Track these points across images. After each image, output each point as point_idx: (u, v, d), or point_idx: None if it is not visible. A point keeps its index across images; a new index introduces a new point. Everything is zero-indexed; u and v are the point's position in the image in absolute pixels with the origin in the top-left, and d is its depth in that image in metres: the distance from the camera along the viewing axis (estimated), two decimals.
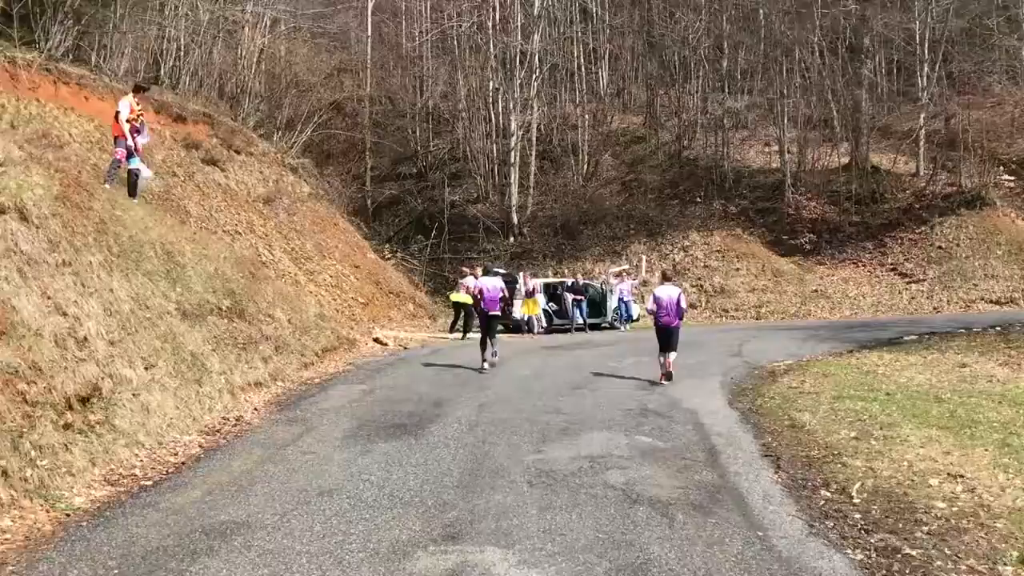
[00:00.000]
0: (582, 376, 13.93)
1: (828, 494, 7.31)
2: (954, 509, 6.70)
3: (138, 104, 14.11)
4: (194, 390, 9.84)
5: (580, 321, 24.39)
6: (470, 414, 10.40)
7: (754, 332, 23.26)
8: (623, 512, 6.55)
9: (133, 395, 8.57)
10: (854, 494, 7.23)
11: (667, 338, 13.54)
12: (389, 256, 33.57)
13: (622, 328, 24.97)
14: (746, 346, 19.49)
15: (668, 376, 13.37)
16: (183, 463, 8.04)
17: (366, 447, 8.62)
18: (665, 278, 14.94)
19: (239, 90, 36.63)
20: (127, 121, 13.78)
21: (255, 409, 10.54)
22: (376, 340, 17.83)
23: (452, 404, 11.08)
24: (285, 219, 28.40)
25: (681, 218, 35.94)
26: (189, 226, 15.18)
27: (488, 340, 14.48)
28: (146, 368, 9.18)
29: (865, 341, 20.79)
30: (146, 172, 14.60)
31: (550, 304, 25.75)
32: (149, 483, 7.37)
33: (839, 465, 8.14)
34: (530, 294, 22.59)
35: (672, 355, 13.54)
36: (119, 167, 13.90)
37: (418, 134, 43.85)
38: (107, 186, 13.43)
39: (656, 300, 13.65)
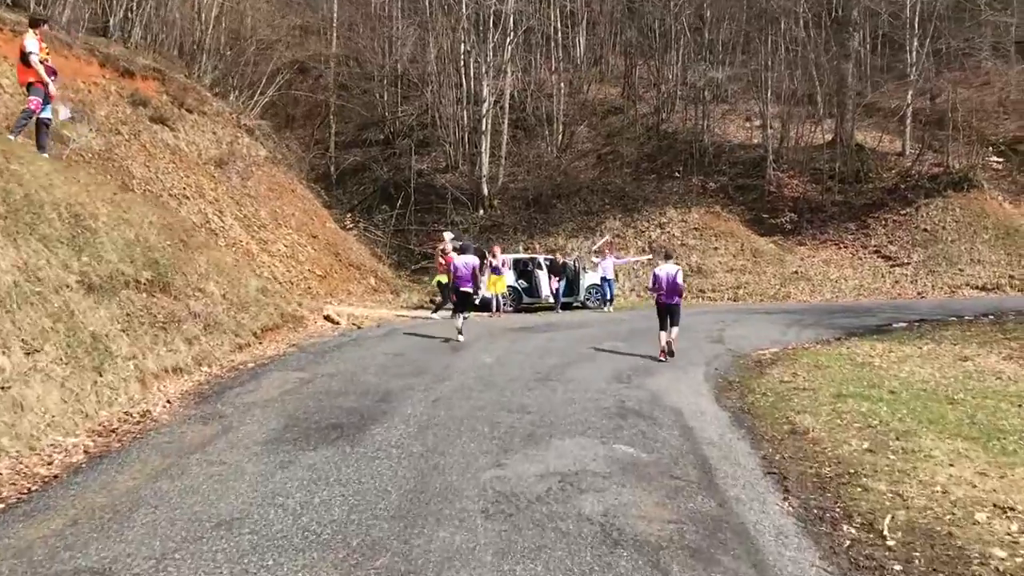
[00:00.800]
0: (552, 364, 12.49)
1: (853, 531, 5.92)
2: (1018, 560, 5.33)
3: (42, 42, 12.29)
4: (91, 379, 8.24)
5: (553, 300, 23.08)
6: (421, 411, 8.90)
7: (733, 315, 21.97)
8: (602, 560, 5.10)
9: (1, 388, 6.96)
10: (886, 532, 5.85)
11: (667, 315, 13.76)
12: (351, 226, 31.86)
13: (606, 308, 23.52)
14: (727, 331, 18.20)
15: (670, 353, 13.53)
16: (55, 476, 6.46)
17: (289, 457, 7.08)
18: (666, 256, 14.99)
19: (196, 47, 34.58)
20: (40, 62, 12.02)
21: (167, 402, 8.95)
22: (327, 318, 16.25)
23: (402, 398, 9.57)
24: (238, 183, 26.66)
25: (658, 193, 34.52)
26: (110, 187, 13.41)
27: (459, 317, 14.89)
28: (27, 354, 7.57)
29: (852, 328, 19.64)
30: (65, 113, 12.85)
31: (519, 281, 24.32)
32: None
33: (858, 488, 6.76)
34: (496, 270, 21.00)
35: (674, 331, 13.73)
36: (31, 117, 12.16)
37: (386, 99, 41.88)
38: (12, 137, 11.70)
39: (655, 278, 13.96)
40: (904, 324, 20.26)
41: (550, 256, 24.79)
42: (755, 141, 36.61)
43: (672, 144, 37.36)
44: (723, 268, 30.10)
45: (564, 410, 9.22)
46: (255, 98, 33.99)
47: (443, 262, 18.72)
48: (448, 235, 19.89)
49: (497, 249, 22.31)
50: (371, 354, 12.82)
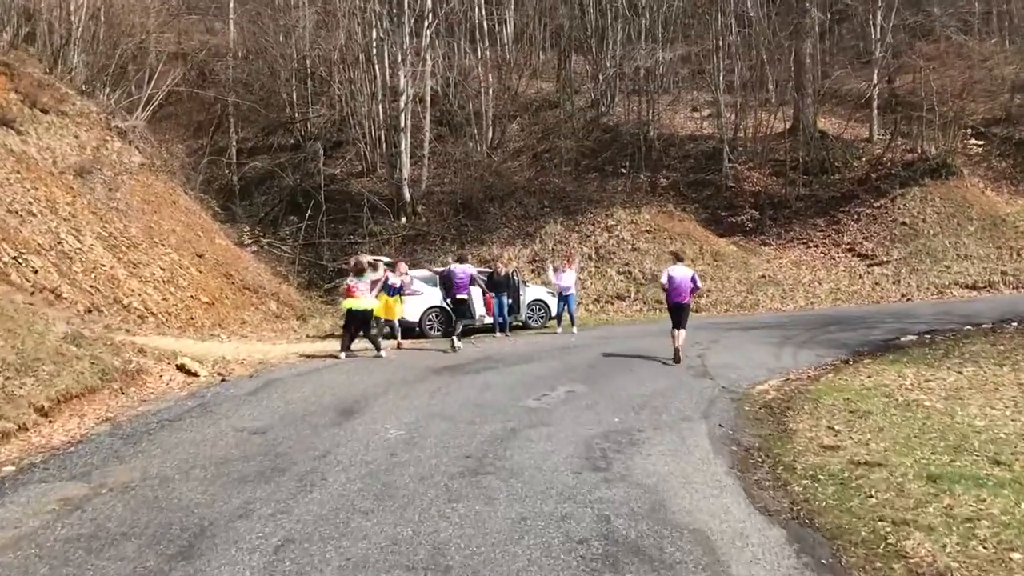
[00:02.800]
0: (490, 433, 8.42)
1: None
2: None
3: None
4: None
5: (491, 321, 18.99)
6: None
7: (706, 332, 18.14)
8: None
9: None
10: None
11: (678, 315, 13.97)
12: (250, 242, 27.32)
13: (573, 329, 19.23)
14: (709, 357, 14.43)
15: (677, 357, 13.58)
16: None
17: None
18: (677, 258, 15.11)
19: (64, 40, 29.70)
20: None
21: None
22: (181, 368, 11.89)
23: (224, 540, 5.41)
24: (104, 195, 22.10)
25: (602, 193, 30.75)
26: None
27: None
28: None
29: (854, 344, 16.14)
30: None
31: (448, 300, 20.17)
32: None
33: None
34: (393, 290, 16.18)
35: (682, 334, 13.86)
36: None
37: (295, 98, 37.28)
38: None
39: (669, 279, 14.03)
40: (913, 337, 16.79)
41: (487, 269, 20.54)
42: (707, 131, 33.14)
43: (615, 138, 33.63)
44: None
45: (507, 548, 5.17)
46: (142, 100, 29.36)
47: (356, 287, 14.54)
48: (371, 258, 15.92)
49: (403, 265, 17.88)
50: (216, 433, 8.54)
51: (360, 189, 30.87)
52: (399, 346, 16.30)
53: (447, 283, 18.04)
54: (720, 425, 9.29)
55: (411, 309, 19.09)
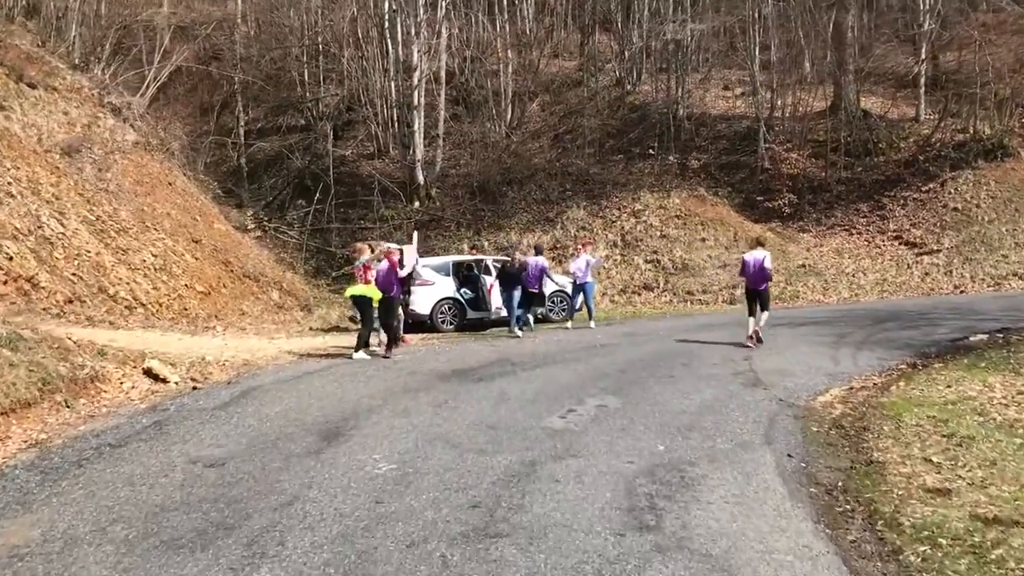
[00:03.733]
0: (504, 469, 6.67)
1: None
2: None
3: None
4: None
5: (507, 314, 17.09)
6: None
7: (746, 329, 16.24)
8: None
9: None
10: None
11: (754, 300, 13.86)
12: (253, 226, 25.66)
13: (590, 324, 17.43)
14: (756, 360, 12.54)
15: (757, 339, 13.61)
16: None
17: None
18: (757, 243, 14.81)
19: (62, 12, 28.22)
20: None
21: None
22: (148, 372, 10.23)
23: None
24: (92, 176, 20.52)
25: (628, 176, 28.91)
26: None
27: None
28: None
29: (918, 344, 14.21)
30: None
31: (463, 290, 18.48)
32: None
33: None
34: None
35: (763, 316, 13.91)
36: None
37: (306, 76, 35.52)
38: None
39: (744, 264, 14.08)
40: (983, 336, 14.83)
41: (503, 258, 18.65)
42: (740, 111, 31.12)
43: (642, 118, 31.69)
44: (713, 263, 24.55)
45: None
46: (147, 78, 27.85)
47: (367, 270, 12.86)
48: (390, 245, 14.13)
49: (409, 248, 15.70)
50: (163, 465, 6.85)
51: (371, 171, 29.20)
52: (403, 342, 14.48)
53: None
54: (789, 455, 7.50)
55: (422, 300, 17.44)
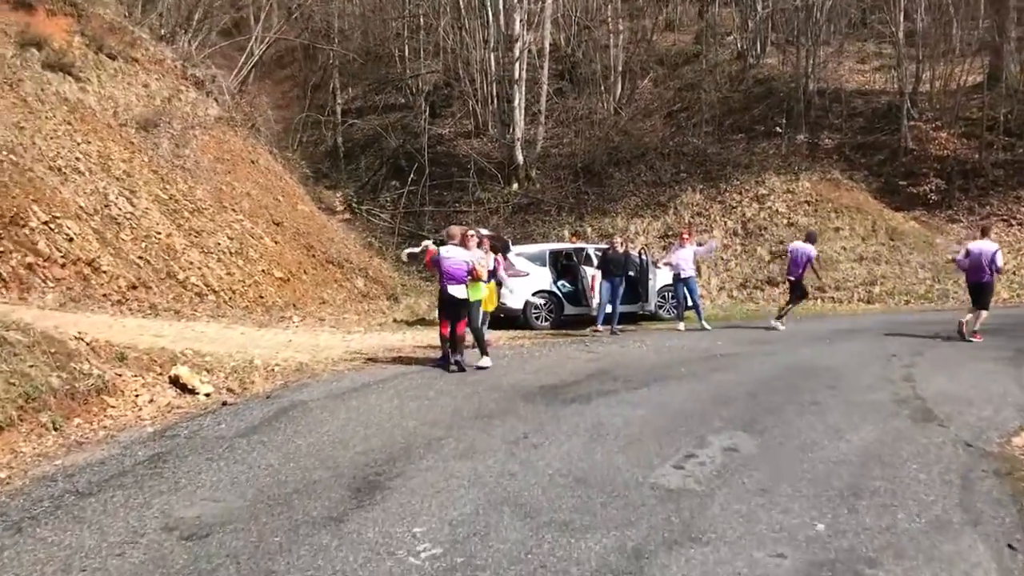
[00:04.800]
0: (594, 567, 4.52)
1: None
2: None
3: None
4: None
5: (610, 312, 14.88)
6: None
7: (899, 340, 13.58)
8: None
9: None
10: None
11: (976, 295, 13.25)
12: (342, 208, 24.14)
13: (703, 323, 15.13)
14: (919, 381, 9.95)
15: (966, 332, 12.95)
16: None
17: None
18: (984, 232, 13.82)
19: None
20: None
21: None
22: (174, 381, 8.52)
23: None
24: (169, 152, 19.30)
25: (751, 156, 26.20)
26: None
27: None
28: None
29: None
30: None
31: (560, 283, 16.35)
32: None
33: None
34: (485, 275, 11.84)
35: (982, 315, 13.05)
36: None
37: (406, 52, 33.93)
38: None
39: (967, 253, 13.31)
40: None
41: (603, 246, 16.44)
42: (878, 86, 27.91)
43: (767, 93, 28.79)
44: (849, 256, 21.72)
45: None
46: (245, 53, 26.79)
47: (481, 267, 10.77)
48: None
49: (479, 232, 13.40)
50: (128, 532, 4.99)
51: (468, 151, 27.39)
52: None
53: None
54: (1010, 546, 5.10)
55: (514, 293, 15.41)
